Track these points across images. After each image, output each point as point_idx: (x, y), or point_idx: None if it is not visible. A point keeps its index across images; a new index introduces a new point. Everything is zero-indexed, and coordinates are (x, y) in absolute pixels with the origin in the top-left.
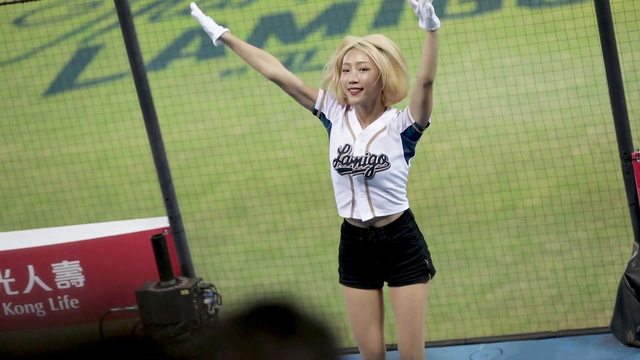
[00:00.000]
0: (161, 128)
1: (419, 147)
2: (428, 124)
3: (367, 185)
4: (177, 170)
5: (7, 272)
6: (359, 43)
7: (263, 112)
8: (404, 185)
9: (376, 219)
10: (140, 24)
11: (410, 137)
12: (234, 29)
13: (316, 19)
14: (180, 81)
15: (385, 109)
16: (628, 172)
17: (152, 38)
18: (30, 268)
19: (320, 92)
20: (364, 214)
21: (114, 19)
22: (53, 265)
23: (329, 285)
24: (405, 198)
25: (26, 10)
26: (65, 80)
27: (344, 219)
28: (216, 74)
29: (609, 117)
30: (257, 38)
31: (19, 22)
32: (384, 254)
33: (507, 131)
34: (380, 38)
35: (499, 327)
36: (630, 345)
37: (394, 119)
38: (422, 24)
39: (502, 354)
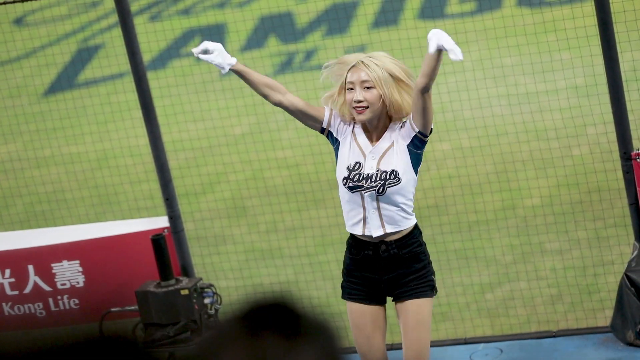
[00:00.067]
0: (161, 128)
1: None
2: (431, 130)
3: (378, 201)
4: (177, 169)
5: (7, 272)
6: (361, 61)
7: (263, 111)
8: (413, 198)
9: (387, 234)
10: (140, 24)
11: (416, 147)
12: (233, 28)
13: (316, 19)
14: (180, 81)
15: (391, 121)
16: (628, 172)
17: (152, 38)
18: (30, 268)
19: (327, 110)
20: (375, 230)
21: (114, 18)
22: (53, 265)
23: (329, 285)
24: (413, 212)
25: (26, 10)
26: (65, 80)
27: (351, 233)
28: (216, 74)
29: (609, 117)
30: (257, 38)
31: (19, 21)
32: (393, 267)
33: (507, 131)
34: (382, 57)
35: (499, 326)
36: (630, 344)
37: (399, 133)
38: (433, 48)
39: (502, 353)
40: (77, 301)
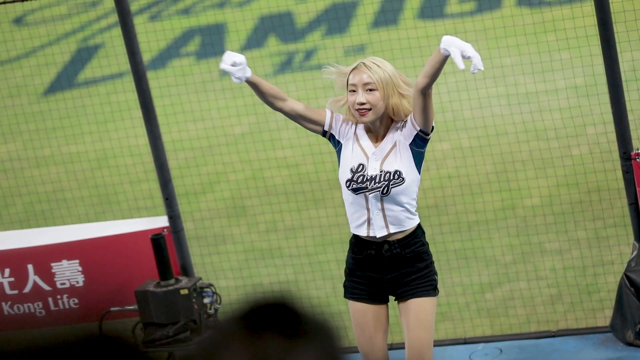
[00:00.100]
0: (161, 127)
1: None
2: (432, 128)
3: (382, 202)
4: (176, 169)
5: (7, 271)
6: (363, 63)
7: (263, 111)
8: (416, 198)
9: (390, 234)
10: (140, 23)
11: (418, 146)
12: (233, 28)
13: (316, 19)
14: (180, 80)
15: (392, 122)
16: (627, 172)
17: (151, 37)
18: (30, 267)
19: (328, 112)
20: (379, 231)
21: (114, 18)
22: (53, 264)
23: (329, 284)
24: (417, 212)
25: (26, 10)
26: (65, 80)
27: (354, 233)
28: (216, 74)
29: (609, 117)
30: (257, 37)
31: (18, 21)
32: (395, 267)
33: (506, 131)
34: (382, 61)
35: (499, 326)
36: (629, 344)
37: (401, 133)
38: (444, 50)
39: (502, 353)
40: (76, 301)
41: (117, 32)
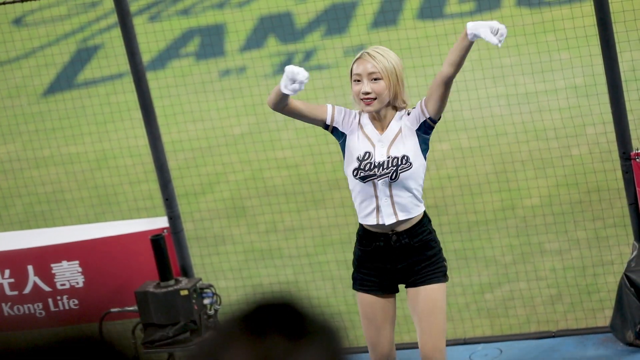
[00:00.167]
0: (160, 128)
1: None
2: (439, 117)
3: (391, 188)
4: (176, 170)
5: (7, 272)
6: (367, 53)
7: (262, 112)
8: (422, 184)
9: (398, 222)
10: (139, 24)
11: (425, 132)
12: (233, 28)
13: (315, 19)
14: (180, 81)
15: (396, 111)
16: (627, 172)
17: (151, 38)
18: (30, 268)
19: (329, 106)
20: (387, 218)
21: (113, 18)
22: (52, 265)
23: (328, 285)
24: (423, 199)
25: (25, 10)
26: (65, 80)
27: (361, 225)
28: (215, 74)
29: (608, 117)
30: (257, 38)
31: (18, 21)
32: (405, 257)
33: (506, 131)
34: (385, 49)
35: (499, 327)
36: (629, 344)
37: (407, 118)
38: (472, 35)
39: (502, 353)
40: (76, 301)
41: (117, 32)
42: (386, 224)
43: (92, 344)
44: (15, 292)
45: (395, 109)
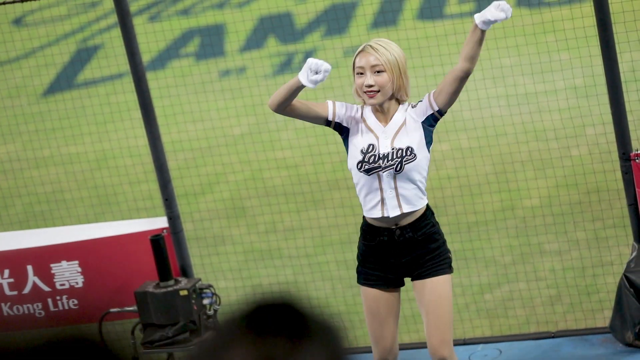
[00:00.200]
0: (160, 128)
1: None
2: (447, 110)
3: (395, 180)
4: (176, 170)
5: (6, 272)
6: (370, 46)
7: (262, 112)
8: (426, 177)
9: (402, 215)
10: (139, 24)
11: (430, 125)
12: (233, 29)
13: (315, 19)
14: (180, 81)
15: (399, 103)
16: (627, 173)
17: (151, 38)
18: (29, 268)
19: (329, 102)
20: (392, 210)
21: (113, 19)
22: (52, 265)
23: (328, 285)
24: (426, 192)
25: (25, 10)
26: (65, 80)
27: (365, 219)
28: (215, 74)
29: (608, 118)
30: (257, 38)
31: (18, 21)
32: (409, 250)
33: (506, 131)
34: (389, 42)
35: (498, 327)
36: (629, 345)
37: (412, 110)
38: (482, 24)
39: (501, 354)
40: (76, 301)
41: (117, 32)
42: (391, 216)
43: (86, 346)
44: (15, 292)
45: (398, 101)
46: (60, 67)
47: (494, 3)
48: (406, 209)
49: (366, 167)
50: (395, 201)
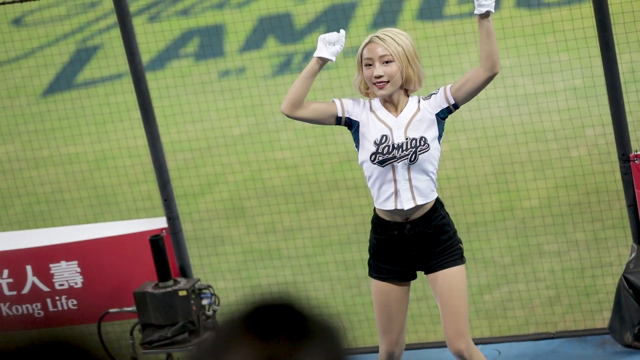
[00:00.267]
0: (160, 128)
1: None
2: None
3: (409, 171)
4: (175, 170)
5: (5, 272)
6: (377, 36)
7: (262, 112)
8: (438, 169)
9: (414, 209)
10: (139, 24)
11: (443, 117)
12: (232, 29)
13: (315, 20)
14: (179, 81)
15: (408, 95)
16: (626, 173)
17: (150, 38)
18: (29, 268)
19: (336, 100)
20: (406, 202)
21: (113, 19)
22: (51, 265)
23: (327, 286)
24: (437, 183)
25: (25, 10)
26: (64, 81)
27: (376, 213)
28: (215, 75)
29: (607, 118)
30: (256, 38)
31: (17, 22)
32: (419, 244)
33: (505, 132)
34: (395, 31)
35: (497, 328)
36: (628, 346)
37: (425, 102)
38: (477, 8)
39: (500, 355)
40: (75, 302)
41: (116, 33)
42: (405, 208)
43: (65, 349)
44: (14, 292)
45: (407, 92)
46: (60, 67)
47: None
48: (419, 201)
49: (380, 158)
50: (409, 193)
